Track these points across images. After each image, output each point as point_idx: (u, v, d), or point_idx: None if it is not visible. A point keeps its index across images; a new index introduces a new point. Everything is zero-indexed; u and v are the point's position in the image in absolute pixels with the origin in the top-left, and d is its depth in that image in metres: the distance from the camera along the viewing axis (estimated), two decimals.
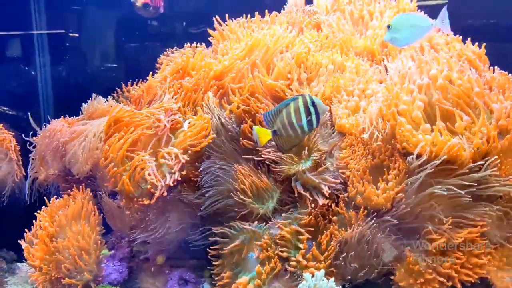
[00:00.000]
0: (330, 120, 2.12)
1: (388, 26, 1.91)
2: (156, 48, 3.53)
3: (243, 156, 2.17)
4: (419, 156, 1.78)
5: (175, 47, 2.78)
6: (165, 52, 2.80)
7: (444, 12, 1.84)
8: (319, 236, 1.98)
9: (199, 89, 2.27)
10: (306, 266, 1.92)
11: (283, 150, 1.98)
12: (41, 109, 3.44)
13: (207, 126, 2.13)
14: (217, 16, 2.56)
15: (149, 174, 2.04)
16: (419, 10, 2.47)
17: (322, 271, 1.83)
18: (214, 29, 2.61)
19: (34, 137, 2.59)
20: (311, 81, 2.15)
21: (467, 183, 1.77)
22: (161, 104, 2.21)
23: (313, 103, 1.82)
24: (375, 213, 1.89)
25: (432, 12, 2.46)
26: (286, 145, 1.94)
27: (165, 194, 2.05)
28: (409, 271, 1.84)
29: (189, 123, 2.17)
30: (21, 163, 2.67)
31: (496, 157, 1.75)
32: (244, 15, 2.57)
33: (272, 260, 1.98)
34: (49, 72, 3.47)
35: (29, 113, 2.65)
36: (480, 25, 3.20)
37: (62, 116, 2.63)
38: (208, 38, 2.65)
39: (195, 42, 2.71)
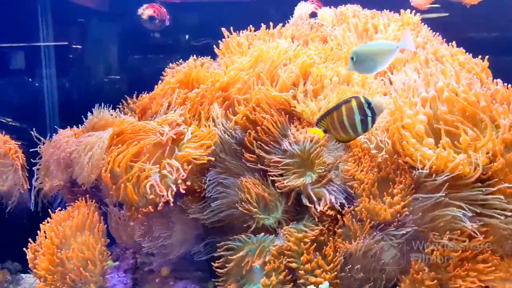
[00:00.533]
0: None
1: (352, 58, 1.84)
2: (159, 60, 3.57)
3: (248, 167, 2.17)
4: (423, 169, 1.79)
5: (181, 60, 2.80)
6: (170, 65, 2.82)
7: (406, 33, 1.80)
8: (324, 247, 1.98)
9: (205, 100, 2.28)
10: (314, 276, 1.92)
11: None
12: (46, 120, 3.45)
13: (210, 142, 2.13)
14: (224, 29, 2.59)
15: (151, 185, 2.04)
16: (422, 23, 2.50)
17: (327, 283, 1.84)
18: (217, 42, 2.63)
19: (40, 147, 2.59)
20: (316, 93, 2.16)
21: (472, 201, 1.79)
22: (165, 118, 2.22)
23: (369, 105, 1.74)
24: (381, 226, 1.89)
25: (433, 24, 2.49)
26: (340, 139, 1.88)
27: (171, 203, 2.05)
28: (413, 281, 1.83)
29: (192, 132, 2.17)
30: (26, 174, 2.67)
31: (503, 185, 1.76)
32: (250, 26, 2.60)
33: (278, 271, 1.98)
34: (52, 84, 3.49)
35: (34, 128, 2.66)
36: (481, 38, 3.23)
37: (65, 127, 2.64)
38: (212, 51, 2.67)
39: (200, 56, 2.72)
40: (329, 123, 1.77)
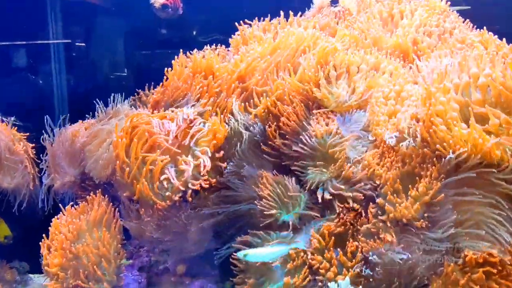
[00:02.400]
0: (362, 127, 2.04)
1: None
2: (166, 56, 3.50)
3: (268, 161, 2.12)
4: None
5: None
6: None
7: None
8: (347, 244, 1.92)
9: (222, 90, 2.22)
10: (334, 274, 1.87)
11: None
12: (49, 118, 3.40)
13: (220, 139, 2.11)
14: (241, 22, 2.53)
15: (167, 180, 2.00)
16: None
17: (347, 279, 1.81)
18: (226, 38, 2.57)
19: (48, 142, 2.54)
20: (339, 79, 2.08)
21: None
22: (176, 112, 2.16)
23: None
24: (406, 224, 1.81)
25: None
26: None
27: (190, 198, 2.02)
28: (446, 282, 1.75)
29: (209, 126, 2.13)
30: (35, 171, 2.62)
31: None
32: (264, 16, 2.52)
33: (300, 269, 1.93)
34: (56, 81, 3.43)
35: (38, 126, 2.63)
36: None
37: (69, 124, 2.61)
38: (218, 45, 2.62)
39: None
40: None
